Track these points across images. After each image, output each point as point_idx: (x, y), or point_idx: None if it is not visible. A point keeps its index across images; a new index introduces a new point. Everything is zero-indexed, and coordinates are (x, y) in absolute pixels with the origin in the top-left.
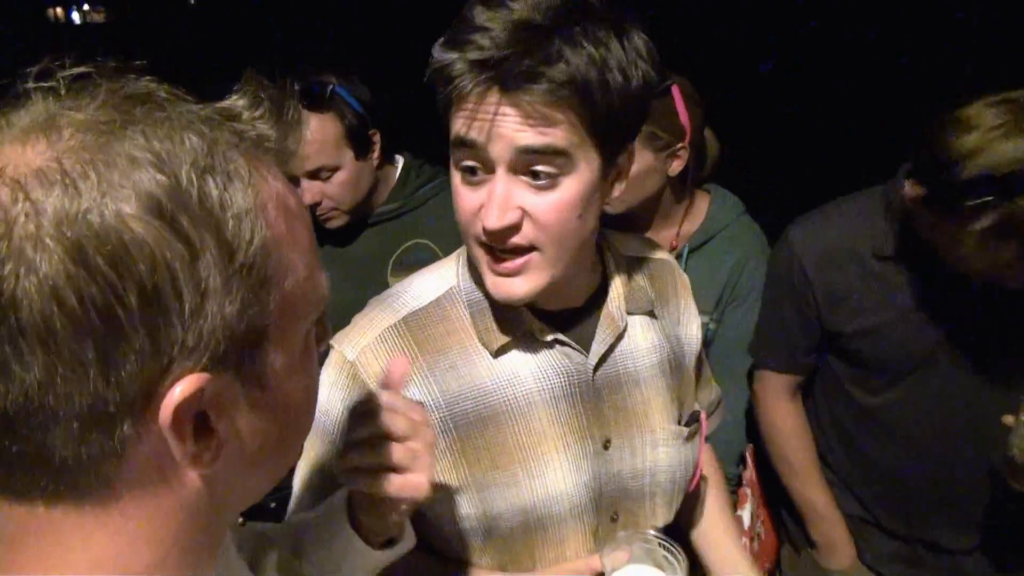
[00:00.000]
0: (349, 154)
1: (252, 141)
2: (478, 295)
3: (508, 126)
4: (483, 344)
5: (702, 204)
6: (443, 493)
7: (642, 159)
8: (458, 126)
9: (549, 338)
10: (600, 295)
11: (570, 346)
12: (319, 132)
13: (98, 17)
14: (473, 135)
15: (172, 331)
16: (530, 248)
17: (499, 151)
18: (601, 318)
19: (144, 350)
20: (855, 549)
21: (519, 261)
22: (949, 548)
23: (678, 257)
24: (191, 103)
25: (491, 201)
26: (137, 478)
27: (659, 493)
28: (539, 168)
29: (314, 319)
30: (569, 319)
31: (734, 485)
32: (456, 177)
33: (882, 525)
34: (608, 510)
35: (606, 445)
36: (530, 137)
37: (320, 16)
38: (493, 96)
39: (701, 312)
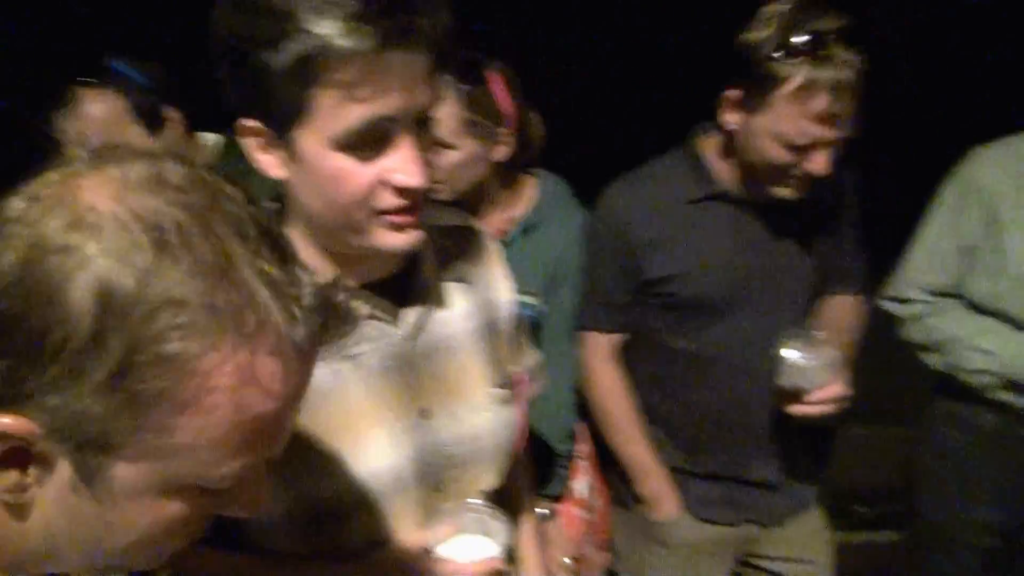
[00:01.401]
0: (136, 130)
1: (279, 327)
2: None
3: (415, 87)
4: None
5: (529, 189)
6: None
7: (466, 145)
8: (365, 108)
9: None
10: (411, 265)
11: (381, 319)
12: (96, 108)
13: None
14: (386, 111)
15: (28, 378)
16: None
17: (408, 115)
18: (413, 288)
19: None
20: (677, 499)
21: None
22: (761, 482)
23: (508, 242)
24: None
25: (411, 161)
26: None
27: (484, 458)
28: (426, 117)
29: (191, 485)
30: (379, 291)
31: (565, 462)
32: (341, 159)
33: (703, 471)
34: (433, 481)
35: (426, 415)
36: (428, 92)
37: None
38: (395, 60)
39: (531, 295)
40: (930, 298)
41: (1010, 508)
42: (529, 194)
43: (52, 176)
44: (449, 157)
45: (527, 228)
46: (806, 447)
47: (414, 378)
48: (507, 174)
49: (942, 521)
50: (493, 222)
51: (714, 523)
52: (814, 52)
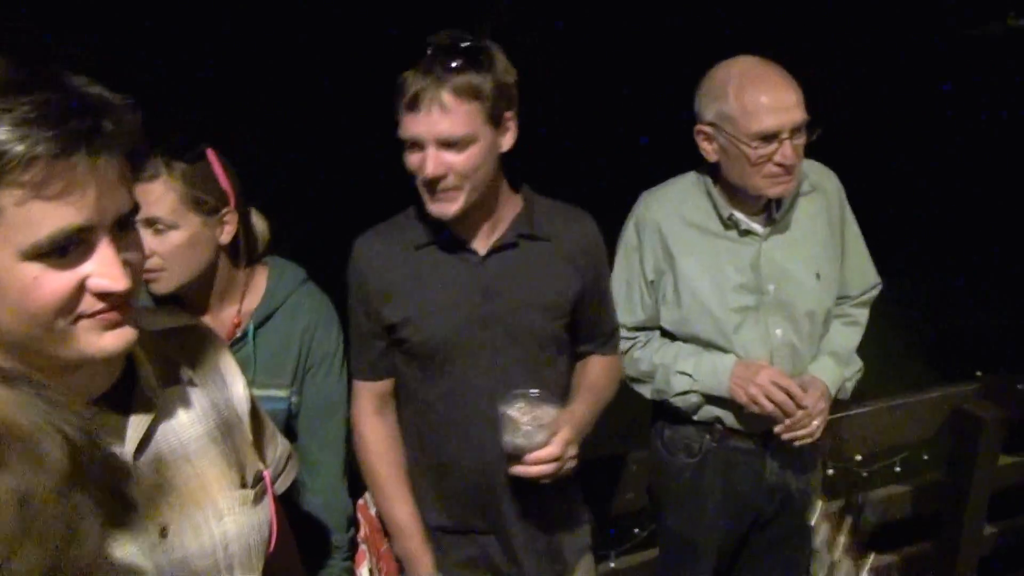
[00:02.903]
0: None
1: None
2: None
3: (108, 191)
4: None
5: (260, 278)
6: None
7: (189, 224)
8: (54, 218)
9: None
10: (127, 377)
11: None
12: None
13: None
14: (79, 220)
15: None
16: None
17: (105, 220)
18: (133, 402)
19: None
20: (433, 559)
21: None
22: (524, 545)
23: (243, 336)
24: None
25: (111, 265)
26: None
27: (236, 564)
28: (126, 218)
29: None
30: (94, 411)
31: (348, 552)
32: (32, 268)
33: (462, 528)
34: None
35: (163, 533)
36: (124, 194)
37: None
38: (82, 165)
39: (280, 387)
40: (631, 334)
41: (737, 513)
42: (261, 284)
43: None
44: (171, 238)
45: (263, 319)
46: (562, 502)
47: (147, 497)
48: (235, 260)
49: (682, 530)
50: (226, 317)
51: None
52: None
